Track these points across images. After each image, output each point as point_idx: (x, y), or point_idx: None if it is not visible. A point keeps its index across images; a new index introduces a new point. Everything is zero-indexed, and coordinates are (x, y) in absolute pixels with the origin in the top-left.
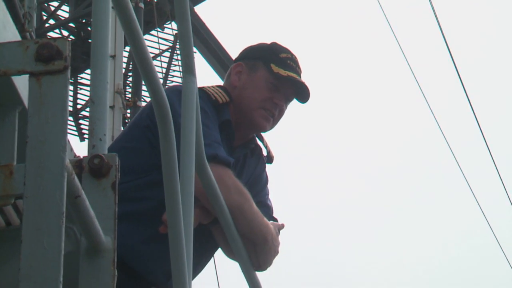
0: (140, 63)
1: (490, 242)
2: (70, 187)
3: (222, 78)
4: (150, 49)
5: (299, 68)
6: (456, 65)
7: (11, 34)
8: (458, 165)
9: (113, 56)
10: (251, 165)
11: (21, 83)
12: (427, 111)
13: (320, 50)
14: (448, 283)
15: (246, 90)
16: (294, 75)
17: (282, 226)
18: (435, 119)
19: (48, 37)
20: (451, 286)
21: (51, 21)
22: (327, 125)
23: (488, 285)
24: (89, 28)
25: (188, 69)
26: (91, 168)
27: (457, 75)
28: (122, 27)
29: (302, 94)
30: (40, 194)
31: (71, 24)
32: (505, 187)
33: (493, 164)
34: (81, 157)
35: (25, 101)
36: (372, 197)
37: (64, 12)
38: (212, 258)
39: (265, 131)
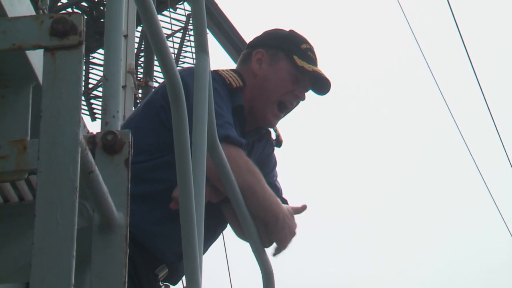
0: (154, 41)
1: (494, 217)
2: (84, 162)
3: (234, 60)
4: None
5: (317, 58)
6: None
7: (26, 8)
8: (463, 138)
9: (125, 36)
10: (259, 148)
11: (36, 58)
12: (439, 98)
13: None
14: (451, 260)
15: (268, 82)
16: (317, 69)
17: (304, 208)
18: (441, 94)
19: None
20: (453, 264)
21: (64, 0)
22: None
23: (491, 261)
24: (101, 8)
25: (201, 48)
26: (104, 144)
27: (461, 41)
28: (136, 4)
29: (322, 87)
30: (54, 168)
31: (84, 3)
32: (510, 159)
33: (499, 138)
34: (95, 133)
35: (39, 77)
36: (374, 176)
37: None
38: (222, 236)
39: (272, 127)
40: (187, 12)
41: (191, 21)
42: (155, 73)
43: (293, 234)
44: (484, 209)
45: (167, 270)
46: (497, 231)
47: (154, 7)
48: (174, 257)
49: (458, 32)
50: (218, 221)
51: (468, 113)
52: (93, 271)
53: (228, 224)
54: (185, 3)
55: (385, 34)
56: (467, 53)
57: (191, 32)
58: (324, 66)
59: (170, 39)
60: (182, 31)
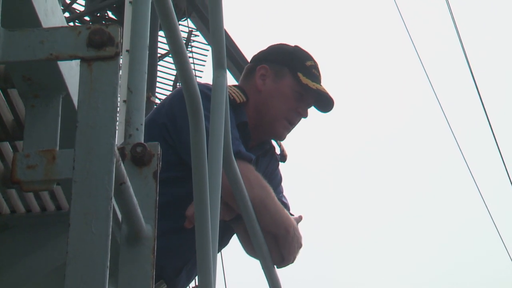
0: (175, 55)
1: (492, 235)
2: (116, 173)
3: (233, 74)
4: (163, 46)
5: (321, 75)
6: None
7: (59, 20)
8: (463, 155)
9: (128, 51)
10: (263, 165)
11: (66, 68)
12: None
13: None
14: (450, 277)
15: (272, 98)
16: (321, 87)
17: (300, 218)
18: (444, 115)
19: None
20: (453, 281)
21: (66, 14)
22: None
23: (490, 280)
24: (103, 22)
25: (219, 64)
26: (133, 156)
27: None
28: (160, 18)
29: (326, 105)
30: (89, 179)
31: (86, 18)
32: (510, 177)
33: (500, 156)
34: (123, 145)
35: (69, 87)
36: (374, 193)
37: (79, 6)
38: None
39: (282, 139)
40: (189, 29)
41: (192, 38)
42: (157, 89)
43: (300, 246)
44: (482, 223)
45: (165, 286)
46: (493, 243)
47: (176, 18)
48: (173, 272)
49: (466, 60)
50: (222, 239)
51: (470, 132)
52: (120, 282)
53: (239, 241)
54: (188, 20)
55: (393, 60)
56: (470, 67)
57: (193, 49)
58: (329, 83)
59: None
60: None
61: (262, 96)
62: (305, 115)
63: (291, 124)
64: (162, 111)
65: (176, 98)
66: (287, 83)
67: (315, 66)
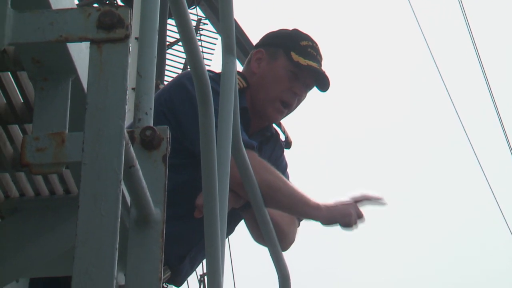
0: (185, 41)
1: (493, 232)
2: (126, 156)
3: (241, 62)
4: (172, 34)
5: (320, 56)
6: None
7: (68, 1)
8: (471, 144)
9: (137, 38)
10: (267, 152)
11: (76, 51)
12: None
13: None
14: (454, 267)
15: (265, 79)
16: (314, 64)
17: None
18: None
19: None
20: (457, 271)
21: (76, 1)
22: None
23: (495, 272)
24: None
25: (228, 49)
26: (143, 139)
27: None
28: (170, 5)
29: (322, 83)
30: (98, 161)
31: (95, 5)
32: None
33: (507, 144)
34: (132, 129)
35: (79, 70)
36: (373, 187)
37: None
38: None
39: (276, 122)
40: (198, 17)
41: (201, 26)
42: (165, 77)
43: (348, 215)
44: (488, 213)
45: (169, 272)
46: (500, 233)
47: (185, 3)
48: (176, 260)
49: (470, 36)
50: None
51: (476, 118)
52: (129, 265)
53: (247, 229)
54: (197, 8)
55: (396, 37)
56: (477, 52)
57: (202, 37)
58: (335, 69)
59: (180, 43)
60: None
61: (256, 78)
62: (301, 95)
63: (287, 106)
64: (161, 98)
65: (174, 87)
66: (280, 63)
67: (312, 46)
